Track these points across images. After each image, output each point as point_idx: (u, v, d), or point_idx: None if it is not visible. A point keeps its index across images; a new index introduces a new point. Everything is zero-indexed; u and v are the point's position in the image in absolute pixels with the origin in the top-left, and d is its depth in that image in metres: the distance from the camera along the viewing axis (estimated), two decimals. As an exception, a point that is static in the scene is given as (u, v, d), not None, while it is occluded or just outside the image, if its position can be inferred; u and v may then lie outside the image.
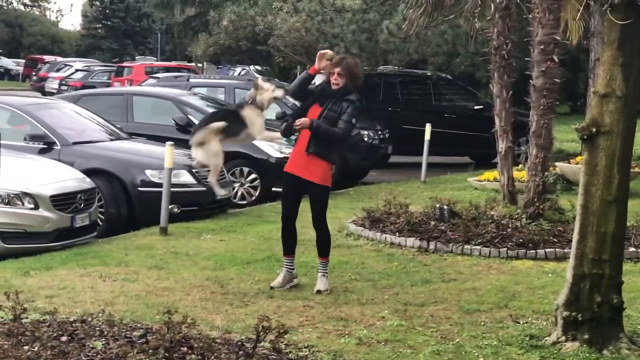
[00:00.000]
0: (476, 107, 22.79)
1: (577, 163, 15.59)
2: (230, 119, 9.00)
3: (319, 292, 8.58)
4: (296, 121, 8.54)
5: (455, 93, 23.93)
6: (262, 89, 9.01)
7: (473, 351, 6.89)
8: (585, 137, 7.02)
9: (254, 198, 15.46)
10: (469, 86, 24.09)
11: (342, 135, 8.72)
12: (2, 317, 6.78)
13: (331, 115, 8.64)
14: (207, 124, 8.94)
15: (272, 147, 15.72)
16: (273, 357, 6.15)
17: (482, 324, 7.69)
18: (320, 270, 8.81)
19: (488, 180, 16.56)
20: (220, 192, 10.62)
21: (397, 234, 11.22)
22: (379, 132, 19.72)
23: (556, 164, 15.67)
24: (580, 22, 13.91)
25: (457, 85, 23.91)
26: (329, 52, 8.75)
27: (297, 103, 9.91)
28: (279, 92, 9.11)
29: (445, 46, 21.43)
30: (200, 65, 48.10)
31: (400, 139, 20.63)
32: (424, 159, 18.10)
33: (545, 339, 7.14)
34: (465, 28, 17.87)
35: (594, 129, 6.97)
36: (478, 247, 10.65)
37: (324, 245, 8.88)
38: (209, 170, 9.21)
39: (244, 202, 15.29)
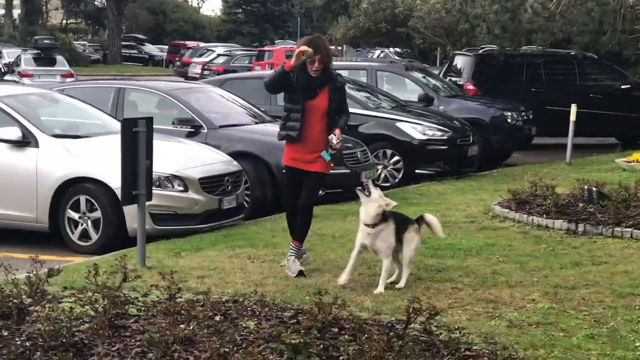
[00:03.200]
0: (623, 87, 22.21)
1: None
2: None
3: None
4: (334, 142, 8.54)
5: (601, 72, 23.33)
6: (381, 197, 8.16)
7: (629, 335, 6.72)
8: None
9: (397, 180, 15.45)
10: (615, 65, 23.48)
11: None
12: (158, 297, 6.96)
13: (336, 106, 8.78)
14: None
15: (414, 129, 15.69)
16: (424, 338, 6.13)
17: (637, 308, 7.49)
18: (292, 253, 8.76)
19: (637, 161, 16.14)
20: None
21: (544, 215, 11.04)
22: (523, 113, 19.46)
23: None
24: None
25: (603, 65, 23.31)
26: (308, 50, 8.41)
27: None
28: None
29: (591, 25, 20.92)
30: (339, 48, 48.26)
31: (543, 119, 20.28)
32: (570, 140, 17.74)
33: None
34: (613, 5, 17.45)
35: None
36: (629, 229, 10.38)
37: (306, 228, 8.89)
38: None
39: (388, 184, 15.28)
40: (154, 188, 9.51)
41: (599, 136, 22.25)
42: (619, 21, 18.58)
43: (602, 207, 11.06)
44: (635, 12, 13.84)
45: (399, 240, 8.15)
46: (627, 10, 15.92)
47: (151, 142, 8.91)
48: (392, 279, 8.27)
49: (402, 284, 8.11)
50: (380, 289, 7.90)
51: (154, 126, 9.13)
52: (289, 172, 8.88)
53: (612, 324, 7.01)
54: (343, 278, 8.12)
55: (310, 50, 8.44)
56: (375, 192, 8.12)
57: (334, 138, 8.56)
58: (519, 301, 7.68)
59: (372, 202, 8.07)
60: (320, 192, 12.41)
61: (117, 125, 10.31)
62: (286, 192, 9.12)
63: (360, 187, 8.23)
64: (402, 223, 8.23)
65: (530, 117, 19.68)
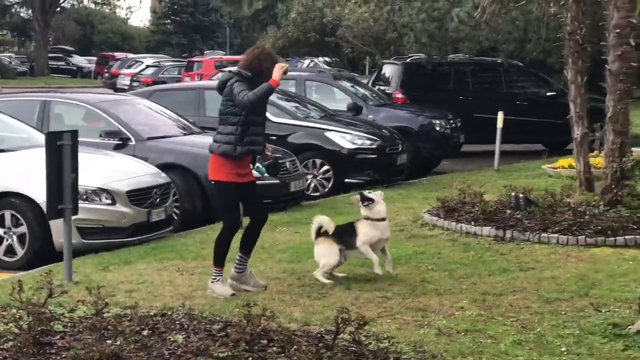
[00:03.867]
0: (549, 94, 22.51)
1: (655, 148, 15.32)
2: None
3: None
4: (268, 150, 8.68)
5: (527, 80, 23.61)
6: (375, 204, 8.94)
7: (555, 341, 6.80)
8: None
9: (326, 190, 15.47)
10: (541, 73, 23.80)
11: None
12: (85, 312, 6.87)
13: None
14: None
15: (343, 138, 15.73)
16: (353, 348, 6.13)
17: (563, 313, 7.59)
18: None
19: (563, 167, 16.35)
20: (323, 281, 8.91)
21: (472, 223, 11.13)
22: (451, 121, 19.61)
23: (633, 149, 15.41)
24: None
25: (528, 72, 23.61)
26: (286, 65, 8.52)
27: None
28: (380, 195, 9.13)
29: (516, 33, 21.26)
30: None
31: (471, 127, 20.47)
32: (497, 147, 17.92)
33: (629, 327, 7.01)
34: (537, 14, 17.69)
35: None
36: (556, 235, 10.51)
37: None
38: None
39: (317, 194, 15.30)
40: (80, 202, 9.42)
41: (525, 143, 22.50)
42: (542, 29, 18.89)
43: (529, 214, 11.18)
44: (557, 20, 14.03)
45: None
46: (550, 19, 16.13)
47: (76, 155, 8.82)
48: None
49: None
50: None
51: (80, 139, 9.04)
52: (237, 188, 8.36)
53: (538, 330, 7.09)
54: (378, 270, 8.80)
55: (287, 65, 8.56)
56: (376, 196, 8.98)
57: (270, 148, 8.59)
58: (447, 309, 7.72)
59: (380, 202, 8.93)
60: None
61: (42, 139, 10.16)
62: (232, 209, 8.47)
63: (364, 202, 8.89)
64: None
65: (459, 124, 19.85)
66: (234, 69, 8.51)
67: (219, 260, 8.39)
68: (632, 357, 6.47)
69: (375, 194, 9.04)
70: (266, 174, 8.75)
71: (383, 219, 8.92)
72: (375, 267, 8.76)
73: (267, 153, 8.67)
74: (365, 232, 8.84)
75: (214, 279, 8.35)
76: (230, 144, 8.29)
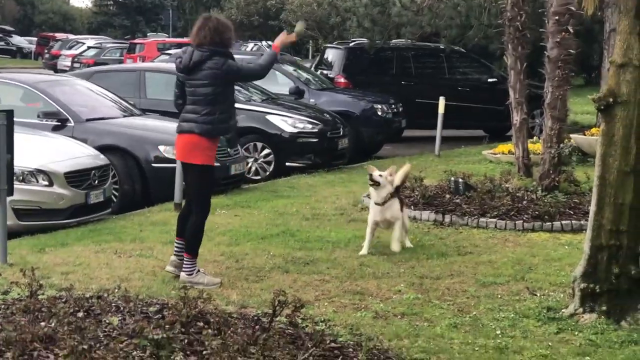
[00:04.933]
0: (490, 80, 22.66)
1: (592, 135, 15.51)
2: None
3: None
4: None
5: (468, 66, 23.76)
6: (387, 179, 9.35)
7: (490, 324, 6.86)
8: (602, 107, 6.96)
9: (268, 173, 15.43)
10: (482, 59, 23.94)
11: None
12: (18, 294, 6.77)
13: None
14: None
15: (285, 122, 15.69)
16: (289, 331, 6.12)
17: (499, 296, 7.66)
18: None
19: (502, 153, 16.49)
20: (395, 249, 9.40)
21: (412, 207, 11.18)
22: (393, 105, 19.66)
23: (571, 135, 15.59)
24: (596, -9, 13.78)
25: (470, 58, 23.74)
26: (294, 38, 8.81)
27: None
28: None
29: (458, 19, 21.30)
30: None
31: (413, 112, 20.55)
32: (438, 132, 18.01)
33: (563, 311, 7.11)
34: (479, 0, 17.76)
35: (611, 99, 6.91)
36: (494, 219, 10.61)
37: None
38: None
39: (258, 177, 15.27)
40: (17, 183, 9.31)
41: (467, 129, 22.63)
42: (484, 15, 18.97)
43: (468, 198, 11.27)
44: (499, 6, 14.12)
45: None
46: (491, 5, 16.25)
47: (12, 136, 8.69)
48: None
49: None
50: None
51: (18, 120, 8.93)
52: (213, 171, 8.35)
53: (474, 313, 7.15)
54: (364, 251, 9.21)
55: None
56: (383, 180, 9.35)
57: None
58: (385, 292, 7.76)
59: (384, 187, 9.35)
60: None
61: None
62: (209, 194, 8.40)
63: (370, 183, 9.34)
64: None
65: (400, 109, 19.91)
66: (204, 48, 8.04)
67: (195, 250, 8.13)
68: (565, 339, 6.56)
69: (384, 177, 9.31)
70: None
71: (376, 203, 9.36)
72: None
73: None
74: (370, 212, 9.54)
75: (192, 270, 8.01)
76: (224, 123, 8.11)
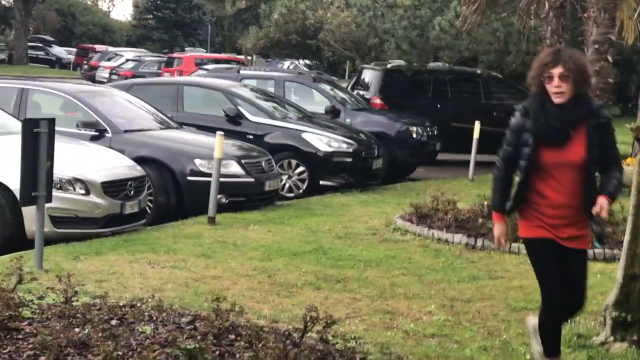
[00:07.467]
0: (526, 107, 22.58)
1: (628, 165, 15.44)
2: None
3: None
4: (599, 211, 6.22)
5: (505, 92, 23.68)
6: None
7: (520, 348, 6.86)
8: (639, 137, 6.96)
9: (301, 191, 15.49)
10: (519, 85, 23.92)
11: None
12: (54, 300, 6.87)
13: (597, 152, 5.89)
14: None
15: (320, 140, 15.76)
16: (320, 347, 6.15)
17: (529, 321, 7.65)
18: None
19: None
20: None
21: (444, 230, 11.19)
22: (428, 128, 19.66)
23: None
24: (637, 21, 13.76)
25: (507, 84, 23.71)
26: None
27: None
28: None
29: (496, 44, 21.32)
30: (249, 58, 48.28)
31: (448, 136, 20.55)
32: (472, 156, 18.02)
33: (593, 338, 7.09)
34: (517, 26, 17.79)
35: (648, 129, 6.91)
36: (526, 245, 10.57)
37: None
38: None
39: (292, 194, 15.33)
40: (54, 190, 9.41)
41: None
42: (522, 42, 18.97)
43: (501, 223, 11.23)
44: (537, 33, 14.14)
45: None
46: (530, 32, 16.26)
47: (53, 144, 8.81)
48: None
49: None
50: None
51: (57, 128, 9.03)
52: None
53: (504, 337, 7.15)
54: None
55: None
56: None
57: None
58: (415, 313, 7.77)
59: None
60: (224, 200, 12.51)
61: (18, 126, 10.14)
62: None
63: None
64: None
65: (435, 132, 19.91)
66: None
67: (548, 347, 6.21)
68: (595, 367, 6.55)
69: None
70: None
71: None
72: None
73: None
74: None
75: None
76: None
